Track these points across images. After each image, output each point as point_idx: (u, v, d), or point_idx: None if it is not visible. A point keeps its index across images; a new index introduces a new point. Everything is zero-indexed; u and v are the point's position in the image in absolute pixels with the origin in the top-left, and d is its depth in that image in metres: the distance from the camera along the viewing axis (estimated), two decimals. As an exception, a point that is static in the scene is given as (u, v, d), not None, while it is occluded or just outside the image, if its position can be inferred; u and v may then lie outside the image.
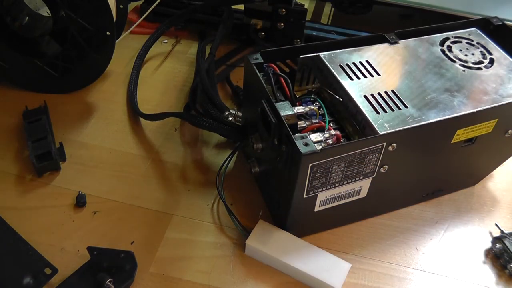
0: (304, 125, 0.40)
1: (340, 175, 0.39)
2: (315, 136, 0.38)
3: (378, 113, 0.39)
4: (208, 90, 0.56)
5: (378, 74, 0.43)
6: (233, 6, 0.67)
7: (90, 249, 0.42)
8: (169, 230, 0.47)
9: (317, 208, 0.42)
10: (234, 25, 0.67)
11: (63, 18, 0.54)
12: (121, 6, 0.63)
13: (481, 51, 0.46)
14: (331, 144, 0.39)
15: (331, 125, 0.42)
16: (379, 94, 0.41)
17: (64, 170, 0.52)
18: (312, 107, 0.42)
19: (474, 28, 0.48)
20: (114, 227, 0.47)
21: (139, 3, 0.73)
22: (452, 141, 0.42)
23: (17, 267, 0.41)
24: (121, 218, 0.48)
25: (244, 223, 0.47)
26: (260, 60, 0.43)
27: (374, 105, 0.40)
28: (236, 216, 0.47)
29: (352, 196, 0.43)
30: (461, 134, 0.41)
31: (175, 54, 0.69)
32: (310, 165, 0.36)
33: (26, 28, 0.58)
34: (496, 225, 0.48)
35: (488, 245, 0.47)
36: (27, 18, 0.59)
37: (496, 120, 0.42)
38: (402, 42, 0.47)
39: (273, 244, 0.43)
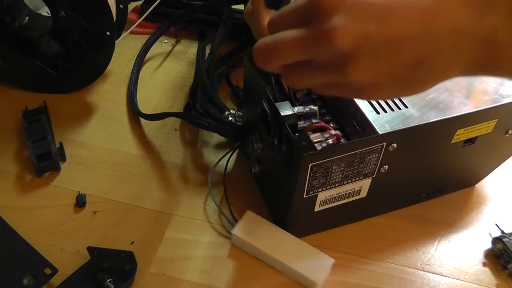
0: (304, 125, 0.40)
1: (340, 175, 0.39)
2: (315, 136, 0.38)
3: (378, 113, 0.39)
4: (208, 90, 0.56)
5: (378, 74, 0.43)
6: (233, 6, 0.67)
7: (90, 249, 0.42)
8: (169, 230, 0.47)
9: (317, 208, 0.42)
10: (234, 25, 0.67)
11: (63, 18, 0.54)
12: (121, 6, 0.63)
13: (481, 51, 0.46)
14: (331, 144, 0.39)
15: (331, 125, 0.42)
16: (379, 94, 0.41)
17: (64, 170, 0.52)
18: (312, 107, 0.41)
19: (474, 28, 0.48)
20: (114, 227, 0.47)
21: (139, 3, 0.73)
22: (452, 141, 0.42)
23: (17, 267, 0.41)
24: (121, 218, 0.48)
25: (244, 223, 0.47)
26: (260, 60, 0.43)
27: (374, 105, 0.40)
28: (234, 215, 0.47)
29: (352, 196, 0.43)
30: (461, 134, 0.41)
31: (175, 54, 0.69)
32: (310, 165, 0.36)
33: (26, 28, 0.58)
34: (496, 225, 0.48)
35: (488, 245, 0.47)
36: (27, 18, 0.59)
37: (496, 120, 0.42)
38: (402, 42, 0.46)
39: (259, 235, 0.44)
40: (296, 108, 0.40)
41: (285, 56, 0.28)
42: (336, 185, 0.40)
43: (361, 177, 0.41)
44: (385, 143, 0.38)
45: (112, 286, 0.40)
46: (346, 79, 0.27)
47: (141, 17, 0.67)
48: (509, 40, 0.25)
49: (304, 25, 0.27)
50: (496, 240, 0.46)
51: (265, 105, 0.39)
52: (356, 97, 0.30)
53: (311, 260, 0.42)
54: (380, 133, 0.37)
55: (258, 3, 0.41)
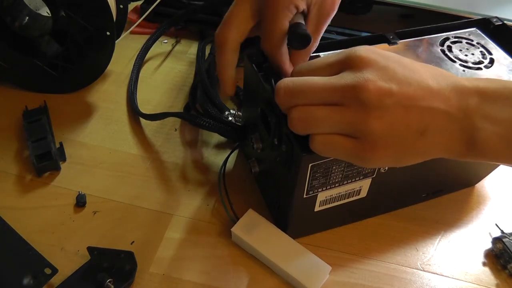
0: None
1: (340, 175, 0.39)
2: (315, 136, 0.38)
3: (378, 113, 0.39)
4: (208, 90, 0.56)
5: (378, 74, 0.43)
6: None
7: (90, 249, 0.42)
8: (169, 230, 0.47)
9: (317, 208, 0.42)
10: (234, 25, 0.67)
11: (63, 18, 0.54)
12: (121, 6, 0.63)
13: (481, 51, 0.46)
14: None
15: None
16: (379, 94, 0.41)
17: (64, 170, 0.52)
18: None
19: (474, 28, 0.48)
20: (114, 227, 0.47)
21: (139, 3, 0.73)
22: (452, 141, 0.42)
23: (17, 267, 0.41)
24: (121, 218, 0.48)
25: (244, 223, 0.47)
26: (260, 60, 0.43)
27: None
28: (237, 215, 0.47)
29: (352, 196, 0.43)
30: (461, 134, 0.41)
31: (175, 54, 0.69)
32: (310, 165, 0.36)
33: (26, 28, 0.58)
34: (496, 225, 0.48)
35: (488, 245, 0.47)
36: (27, 18, 0.59)
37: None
38: (402, 42, 0.47)
39: (258, 235, 0.44)
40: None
41: (322, 126, 0.32)
42: (336, 185, 0.40)
43: (361, 177, 0.41)
44: (385, 143, 0.38)
45: (112, 286, 0.40)
46: (366, 127, 0.30)
47: (141, 17, 0.67)
48: (485, 128, 0.31)
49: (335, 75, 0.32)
50: (496, 240, 0.46)
51: (265, 105, 0.39)
52: (360, 159, 0.32)
53: (309, 266, 0.42)
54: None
55: (279, 41, 0.39)
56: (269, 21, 0.38)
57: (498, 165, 0.50)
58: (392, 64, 0.32)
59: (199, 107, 0.55)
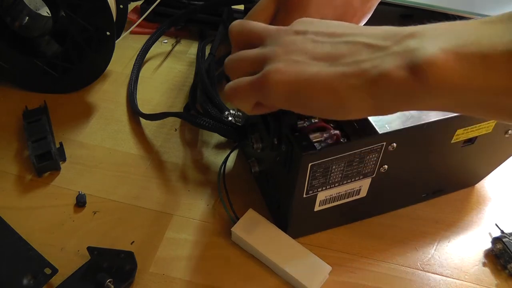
0: (304, 124, 0.40)
1: (340, 175, 0.39)
2: (315, 136, 0.38)
3: (378, 113, 0.39)
4: (208, 90, 0.56)
5: (378, 74, 0.43)
6: (233, 6, 0.67)
7: (90, 249, 0.42)
8: (169, 230, 0.47)
9: (317, 208, 0.42)
10: (234, 25, 0.67)
11: (63, 18, 0.54)
12: (121, 6, 0.63)
13: (481, 51, 0.46)
14: (331, 143, 0.39)
15: (331, 124, 0.42)
16: (379, 94, 0.41)
17: (64, 170, 0.52)
18: (312, 107, 0.41)
19: (474, 28, 0.48)
20: (114, 227, 0.47)
21: (139, 3, 0.73)
22: (452, 141, 0.42)
23: (17, 267, 0.41)
24: (121, 218, 0.48)
25: (244, 223, 0.46)
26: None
27: (374, 105, 0.40)
28: (237, 214, 0.47)
29: (352, 196, 0.43)
30: (461, 134, 0.41)
31: (175, 54, 0.69)
32: (310, 164, 0.36)
33: (26, 28, 0.58)
34: (496, 225, 0.48)
35: (488, 245, 0.47)
36: (27, 18, 0.59)
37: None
38: (402, 42, 0.47)
39: (258, 235, 0.44)
40: (296, 108, 0.40)
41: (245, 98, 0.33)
42: (336, 184, 0.40)
43: (361, 177, 0.41)
44: (384, 143, 0.38)
45: (112, 286, 0.40)
46: (263, 54, 0.31)
47: (141, 17, 0.67)
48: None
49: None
50: (496, 240, 0.46)
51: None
52: (260, 92, 0.30)
53: (308, 266, 0.42)
54: (380, 132, 0.37)
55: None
56: (289, 13, 0.39)
57: (498, 165, 0.50)
58: (322, 21, 0.32)
59: (199, 107, 0.55)
